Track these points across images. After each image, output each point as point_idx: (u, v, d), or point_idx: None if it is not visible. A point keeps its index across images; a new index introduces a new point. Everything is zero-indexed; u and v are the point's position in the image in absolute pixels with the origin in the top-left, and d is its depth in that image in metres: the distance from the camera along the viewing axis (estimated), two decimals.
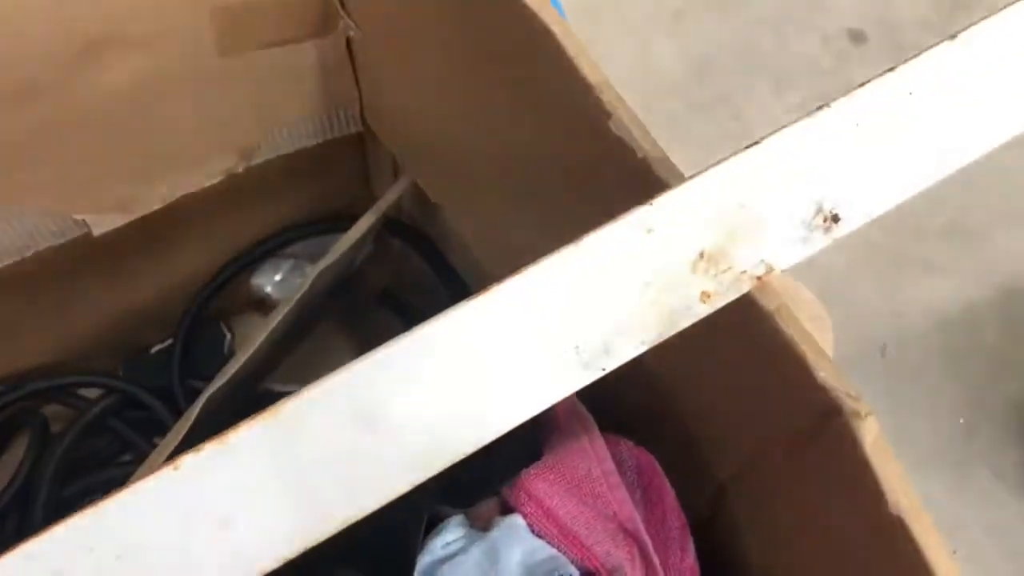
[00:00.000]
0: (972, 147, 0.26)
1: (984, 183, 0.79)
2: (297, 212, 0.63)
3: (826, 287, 0.72)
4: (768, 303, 0.26)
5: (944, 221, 0.79)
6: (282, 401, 0.23)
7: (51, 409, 0.63)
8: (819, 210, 0.26)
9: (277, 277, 0.66)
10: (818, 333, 0.74)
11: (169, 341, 0.66)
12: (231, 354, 0.65)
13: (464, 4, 0.36)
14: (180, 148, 0.50)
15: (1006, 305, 0.75)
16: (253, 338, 0.57)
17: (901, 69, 0.27)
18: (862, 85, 0.27)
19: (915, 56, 0.27)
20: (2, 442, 0.63)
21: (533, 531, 0.31)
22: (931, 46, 0.26)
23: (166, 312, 0.64)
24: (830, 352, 0.65)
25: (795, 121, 0.26)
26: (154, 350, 0.66)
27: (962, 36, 0.26)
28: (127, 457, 0.61)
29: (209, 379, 0.62)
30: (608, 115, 0.28)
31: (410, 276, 0.69)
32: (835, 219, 0.26)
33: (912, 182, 0.27)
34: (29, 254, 0.50)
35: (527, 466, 0.33)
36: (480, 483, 0.32)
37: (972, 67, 0.26)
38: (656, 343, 0.25)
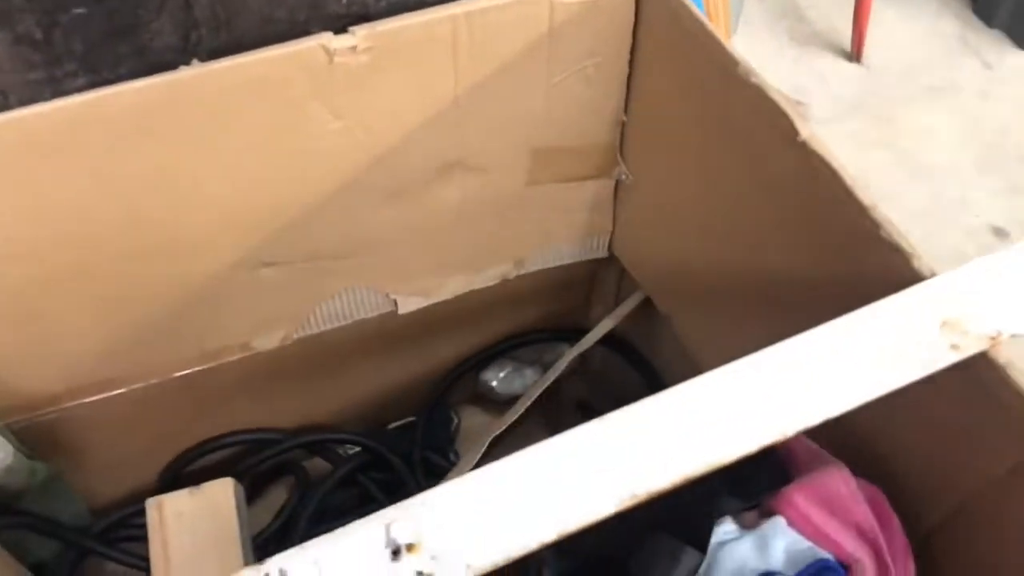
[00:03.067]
0: None
1: None
2: (529, 321, 0.77)
3: None
4: (999, 357, 0.37)
5: None
6: None
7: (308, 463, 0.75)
8: None
9: (501, 375, 0.78)
10: None
11: (404, 420, 0.79)
12: (456, 434, 0.78)
13: (744, 145, 0.49)
14: (476, 253, 0.64)
15: None
16: (482, 431, 0.70)
17: None
18: None
19: None
20: (264, 486, 0.75)
21: (794, 529, 0.41)
22: None
23: (406, 396, 0.77)
24: None
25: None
26: (391, 426, 0.79)
27: None
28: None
29: (441, 452, 0.74)
30: (879, 226, 0.41)
31: (608, 391, 0.81)
32: None
33: None
34: (349, 322, 0.64)
35: (776, 484, 0.43)
36: (751, 486, 0.43)
37: None
38: (926, 374, 0.36)
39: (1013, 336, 0.38)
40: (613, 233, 0.67)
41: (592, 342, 0.70)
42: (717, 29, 0.48)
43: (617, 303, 0.72)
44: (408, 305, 0.65)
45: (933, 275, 0.40)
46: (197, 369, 0.64)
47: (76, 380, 0.60)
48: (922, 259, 0.40)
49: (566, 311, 0.77)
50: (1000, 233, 0.97)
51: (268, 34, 0.47)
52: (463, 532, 0.32)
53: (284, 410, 0.72)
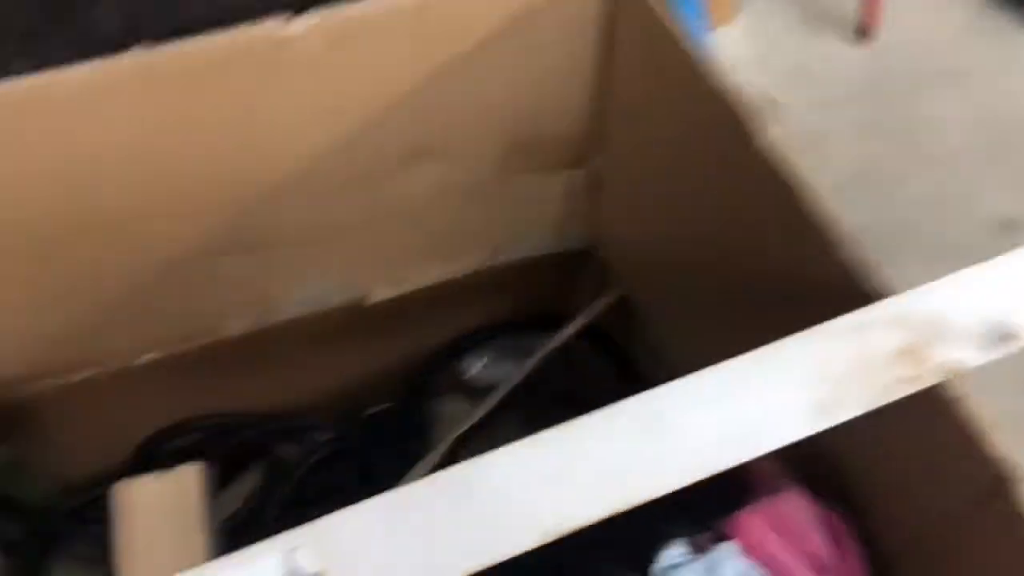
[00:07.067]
0: None
1: None
2: (509, 310, 0.75)
3: None
4: (955, 391, 0.35)
5: None
6: None
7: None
8: (994, 330, 0.35)
9: (480, 364, 0.77)
10: None
11: (382, 406, 0.77)
12: (434, 422, 0.77)
13: (711, 148, 0.47)
14: (448, 242, 0.63)
15: None
16: (462, 419, 0.68)
17: None
18: None
19: None
20: (237, 471, 0.74)
21: (746, 556, 0.40)
22: None
23: (382, 382, 0.76)
24: None
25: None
26: (368, 412, 0.77)
27: None
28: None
29: (419, 440, 0.73)
30: (839, 243, 0.39)
31: (591, 383, 0.79)
32: (1008, 337, 0.36)
33: None
34: (319, 309, 0.63)
35: (731, 507, 0.42)
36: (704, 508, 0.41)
37: None
38: (871, 408, 0.34)
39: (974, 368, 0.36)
40: (594, 227, 0.65)
41: (567, 336, 0.68)
42: (715, 14, 0.45)
43: (598, 295, 0.70)
44: (379, 294, 0.63)
45: (893, 293, 0.37)
46: (165, 354, 0.63)
47: (37, 363, 0.59)
48: (882, 277, 0.38)
49: (547, 301, 0.76)
50: (1010, 226, 0.93)
51: (215, 18, 0.45)
52: (374, 561, 0.30)
53: (255, 395, 0.71)
